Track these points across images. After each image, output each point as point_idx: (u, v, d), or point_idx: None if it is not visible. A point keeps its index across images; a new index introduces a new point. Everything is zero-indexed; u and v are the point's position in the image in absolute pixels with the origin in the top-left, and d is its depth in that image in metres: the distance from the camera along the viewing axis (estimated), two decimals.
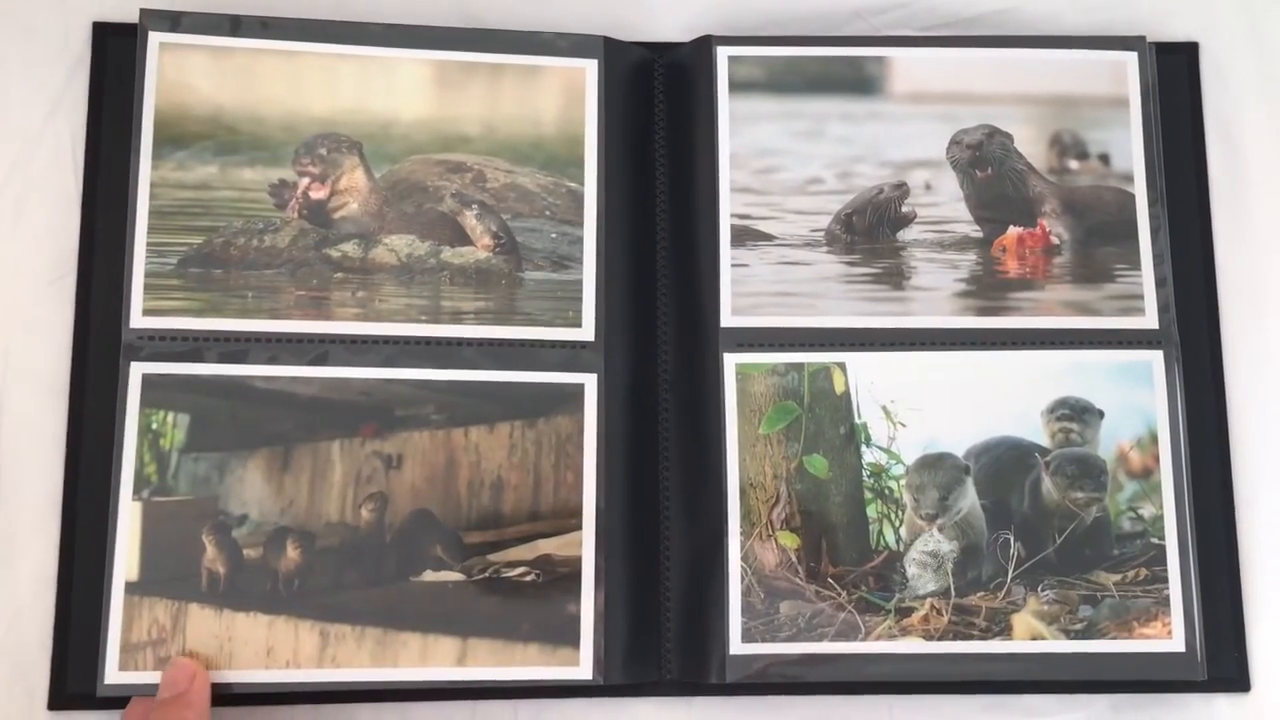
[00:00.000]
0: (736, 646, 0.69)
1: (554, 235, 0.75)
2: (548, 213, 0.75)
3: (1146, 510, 0.72)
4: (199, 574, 0.68)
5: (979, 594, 0.71)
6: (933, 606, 0.70)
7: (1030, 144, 0.77)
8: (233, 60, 0.74)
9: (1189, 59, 0.80)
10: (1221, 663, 0.71)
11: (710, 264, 0.74)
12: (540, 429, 0.72)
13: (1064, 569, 0.71)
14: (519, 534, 0.70)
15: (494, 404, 0.72)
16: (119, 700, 0.67)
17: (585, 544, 0.70)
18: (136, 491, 0.69)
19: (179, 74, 0.73)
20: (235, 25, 0.74)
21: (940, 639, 0.70)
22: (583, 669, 0.68)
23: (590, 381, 0.72)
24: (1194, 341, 0.75)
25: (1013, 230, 0.76)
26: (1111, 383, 0.73)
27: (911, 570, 0.71)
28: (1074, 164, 0.78)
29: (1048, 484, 0.72)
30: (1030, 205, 0.77)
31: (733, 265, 0.74)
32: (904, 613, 0.70)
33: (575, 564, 0.70)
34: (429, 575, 0.69)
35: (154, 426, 0.70)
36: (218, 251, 0.72)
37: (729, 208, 0.75)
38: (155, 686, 0.66)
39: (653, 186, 0.76)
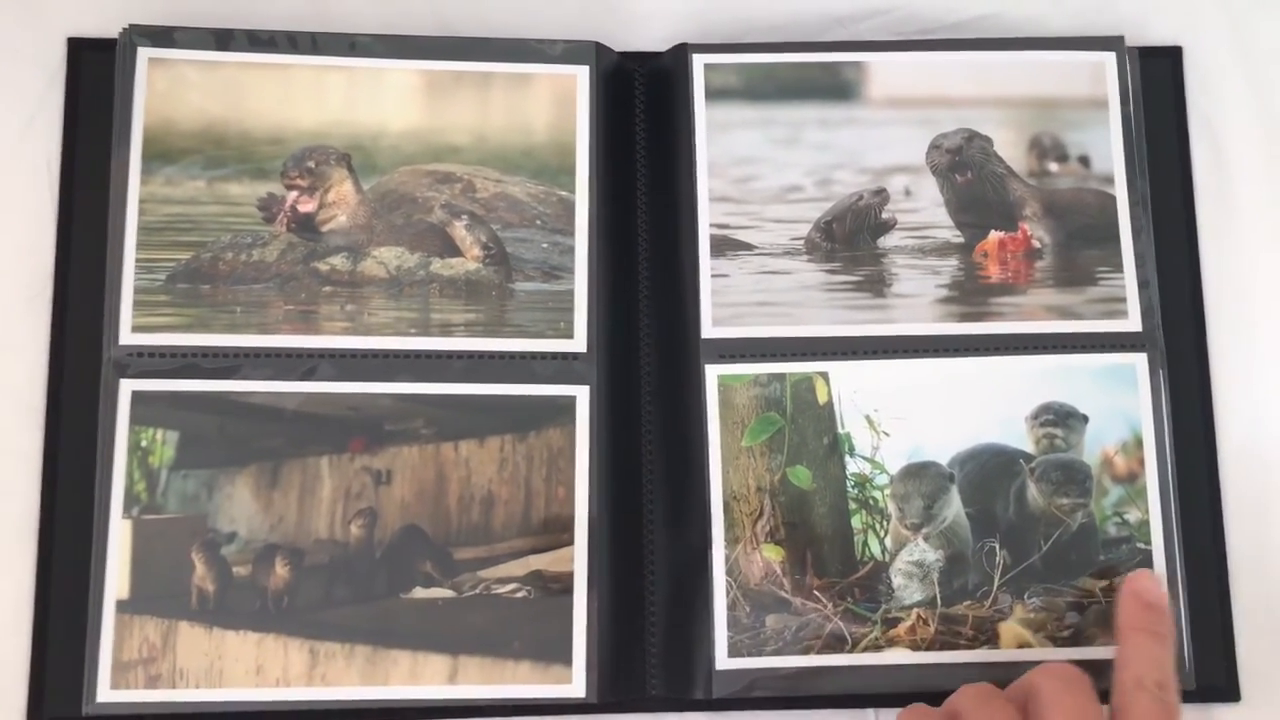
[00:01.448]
0: (723, 661, 0.68)
1: (545, 245, 0.73)
2: (538, 222, 0.73)
3: (1132, 515, 0.70)
4: (189, 592, 0.66)
5: (965, 603, 0.69)
6: (919, 617, 0.69)
7: (1010, 147, 0.75)
8: (220, 74, 0.72)
9: (1173, 62, 0.78)
10: (1210, 671, 0.70)
11: (690, 274, 0.72)
12: (531, 442, 0.70)
13: (1050, 576, 0.69)
14: (510, 550, 0.68)
15: (484, 417, 0.70)
16: None
17: (578, 559, 0.68)
18: (127, 509, 0.67)
19: (166, 89, 0.71)
20: (222, 39, 0.72)
21: (928, 649, 0.68)
22: (575, 686, 0.67)
23: (582, 393, 0.70)
24: (1179, 343, 0.73)
25: (994, 235, 0.74)
26: (1096, 387, 0.71)
27: (898, 581, 0.69)
28: (1054, 166, 0.76)
29: (1033, 491, 0.70)
30: (1011, 209, 0.75)
31: (713, 275, 0.72)
32: (890, 623, 0.68)
33: (567, 580, 0.68)
34: (419, 592, 0.68)
35: (143, 444, 0.68)
36: (206, 266, 0.70)
37: (708, 217, 0.73)
38: (145, 705, 0.65)
39: (634, 197, 0.74)
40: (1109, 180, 0.75)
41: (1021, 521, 0.70)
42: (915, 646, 0.68)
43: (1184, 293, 0.75)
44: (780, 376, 0.71)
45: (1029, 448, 0.71)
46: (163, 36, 0.72)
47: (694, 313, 0.71)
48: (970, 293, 0.73)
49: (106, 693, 0.66)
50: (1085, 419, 0.71)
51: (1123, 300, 0.73)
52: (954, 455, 0.71)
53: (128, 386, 0.68)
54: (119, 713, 0.66)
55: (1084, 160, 0.75)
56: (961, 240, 0.74)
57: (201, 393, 0.69)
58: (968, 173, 0.75)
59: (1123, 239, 0.73)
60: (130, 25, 0.72)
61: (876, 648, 0.68)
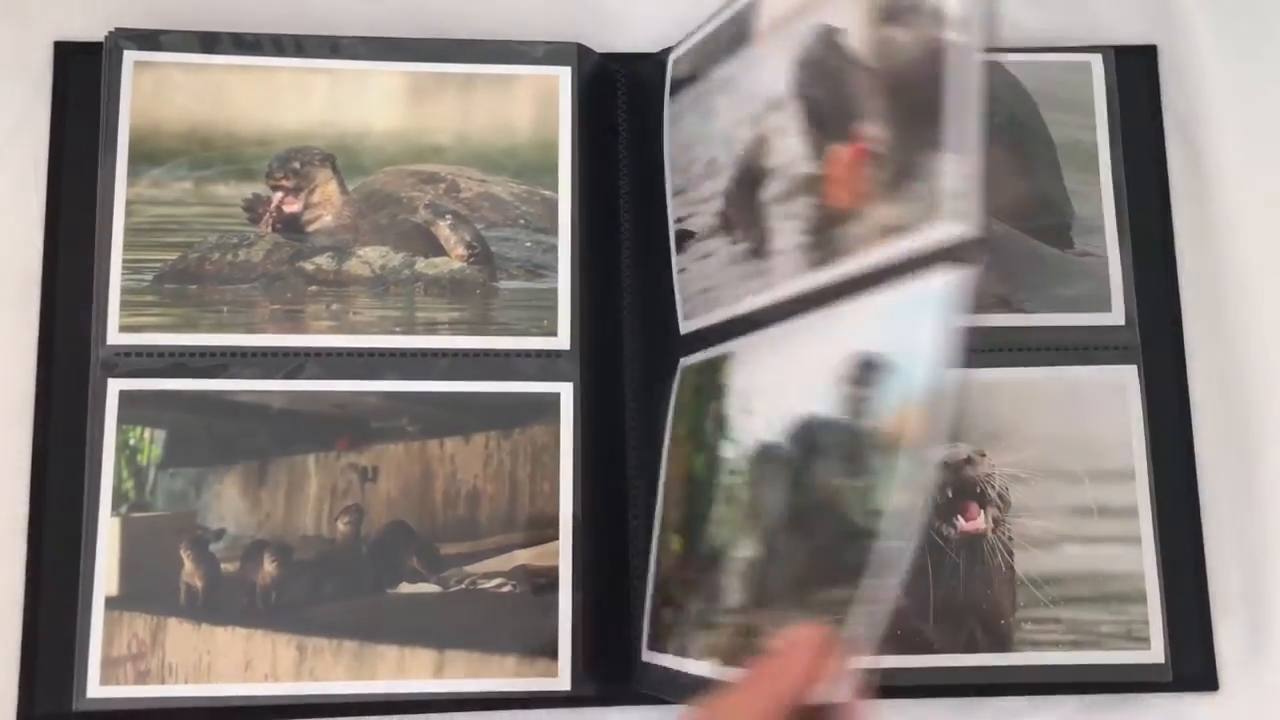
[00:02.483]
0: (646, 654, 0.66)
1: (528, 244, 0.74)
2: (521, 221, 0.74)
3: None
4: (178, 588, 0.67)
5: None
6: (738, 625, 0.58)
7: (860, 26, 0.53)
8: (206, 77, 0.72)
9: (1148, 61, 0.78)
10: (1188, 660, 0.70)
11: (666, 271, 0.72)
12: (516, 439, 0.71)
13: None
14: (495, 545, 0.69)
15: (469, 415, 0.70)
16: (98, 715, 0.66)
17: (562, 554, 0.69)
18: (115, 508, 0.67)
19: (153, 92, 0.71)
20: (208, 42, 0.72)
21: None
22: (561, 680, 0.67)
23: (566, 390, 0.71)
24: (1158, 351, 0.73)
25: (839, 149, 0.54)
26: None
27: (730, 581, 0.59)
28: (900, 31, 0.50)
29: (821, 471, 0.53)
30: (851, 111, 0.54)
31: (677, 272, 0.70)
32: (711, 630, 0.61)
33: (552, 575, 0.69)
34: (405, 587, 0.68)
35: (131, 443, 0.68)
36: (193, 267, 0.71)
37: (672, 213, 0.71)
38: (134, 700, 0.66)
39: (616, 196, 0.75)
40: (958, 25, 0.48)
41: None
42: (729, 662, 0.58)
43: (1161, 294, 0.75)
44: (710, 362, 0.67)
45: (839, 414, 0.52)
46: (148, 40, 0.72)
47: (672, 309, 0.72)
48: (821, 231, 0.56)
49: (96, 688, 0.66)
50: (894, 369, 0.49)
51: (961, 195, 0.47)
52: (790, 431, 0.55)
53: (115, 386, 0.69)
54: (109, 708, 0.66)
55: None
56: (815, 170, 0.57)
57: (189, 392, 0.69)
58: (823, 81, 0.57)
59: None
60: (116, 29, 0.72)
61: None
